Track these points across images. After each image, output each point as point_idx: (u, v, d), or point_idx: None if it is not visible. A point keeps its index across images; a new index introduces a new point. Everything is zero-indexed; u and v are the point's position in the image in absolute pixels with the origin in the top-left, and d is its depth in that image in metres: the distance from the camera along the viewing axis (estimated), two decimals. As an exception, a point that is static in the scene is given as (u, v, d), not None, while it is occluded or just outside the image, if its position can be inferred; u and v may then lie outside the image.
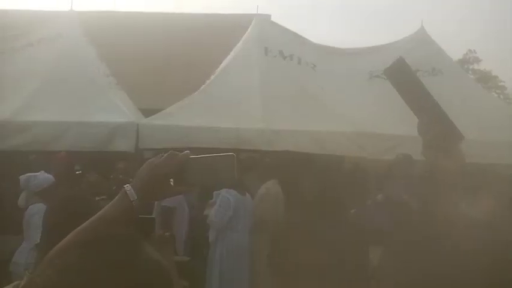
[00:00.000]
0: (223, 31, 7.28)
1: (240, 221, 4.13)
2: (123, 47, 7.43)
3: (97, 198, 2.77)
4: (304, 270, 1.51)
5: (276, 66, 5.25)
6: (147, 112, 5.01)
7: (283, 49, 5.41)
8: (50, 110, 4.50)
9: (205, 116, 4.66)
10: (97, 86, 4.90)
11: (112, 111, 4.62)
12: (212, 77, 5.33)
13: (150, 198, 1.07)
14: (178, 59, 7.79)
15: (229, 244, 4.13)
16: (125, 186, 1.03)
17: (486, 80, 22.35)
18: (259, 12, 6.03)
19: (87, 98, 4.70)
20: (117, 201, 1.03)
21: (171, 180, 1.06)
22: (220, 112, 4.68)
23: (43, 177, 3.72)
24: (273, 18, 7.13)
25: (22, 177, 3.72)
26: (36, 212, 3.37)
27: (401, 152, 4.13)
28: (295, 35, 5.84)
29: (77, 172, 4.77)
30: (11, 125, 4.35)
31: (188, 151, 1.09)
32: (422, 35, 5.70)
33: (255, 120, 4.58)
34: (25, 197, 3.77)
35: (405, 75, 1.33)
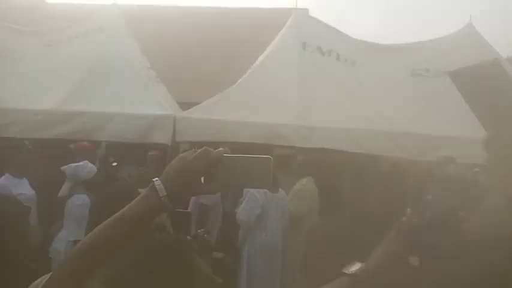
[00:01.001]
0: (261, 25, 7.27)
1: (271, 220, 4.02)
2: (163, 40, 7.58)
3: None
4: (340, 273, 1.48)
5: (313, 61, 5.14)
6: (185, 105, 5.09)
7: (321, 44, 5.29)
8: (93, 100, 4.65)
9: (241, 110, 4.66)
10: (138, 79, 5.01)
11: (151, 103, 4.72)
12: (249, 71, 5.32)
13: (179, 195, 1.01)
14: (216, 53, 7.86)
15: (258, 243, 4.02)
16: (154, 180, 0.99)
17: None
18: (297, 7, 5.95)
19: (128, 89, 4.81)
20: (146, 196, 0.98)
21: (202, 178, 1.01)
22: (256, 107, 4.66)
23: (90, 167, 3.75)
24: (311, 13, 7.06)
25: (69, 167, 3.70)
26: (80, 204, 3.42)
27: (444, 154, 3.95)
28: (334, 30, 5.69)
29: (113, 164, 4.91)
30: (56, 115, 4.54)
31: (222, 149, 1.04)
32: (470, 31, 5.39)
33: (291, 116, 4.52)
34: (68, 187, 3.78)
35: (489, 80, 1.20)
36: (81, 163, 3.76)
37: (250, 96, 4.82)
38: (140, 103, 4.68)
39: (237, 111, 4.63)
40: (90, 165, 3.77)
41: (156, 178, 0.99)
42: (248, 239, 4.05)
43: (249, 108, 4.66)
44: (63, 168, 3.74)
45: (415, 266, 1.13)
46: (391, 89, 4.88)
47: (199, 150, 1.02)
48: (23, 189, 3.86)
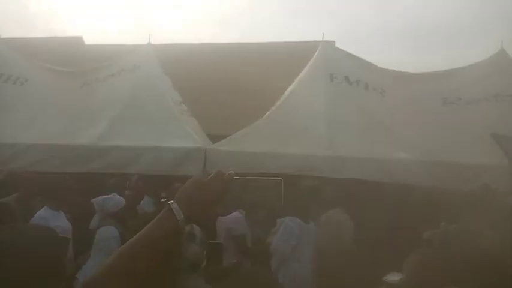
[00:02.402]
0: (289, 59, 7.41)
1: (303, 251, 4.01)
2: (194, 76, 7.84)
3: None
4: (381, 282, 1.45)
5: (341, 92, 5.16)
6: (215, 138, 5.18)
7: (348, 75, 5.32)
8: (127, 135, 4.81)
9: (270, 142, 4.69)
10: (170, 113, 5.17)
11: (182, 137, 4.83)
12: (277, 103, 5.39)
13: (196, 217, 1.02)
14: (245, 86, 8.04)
15: (292, 274, 4.00)
16: (170, 203, 0.99)
17: None
18: (323, 39, 6.04)
19: (161, 124, 4.96)
20: (163, 220, 0.98)
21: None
22: (285, 138, 4.68)
23: (117, 199, 3.86)
24: (337, 44, 7.15)
25: (97, 200, 3.84)
26: (106, 236, 3.49)
27: (481, 183, 3.81)
28: (361, 60, 5.72)
29: (162, 200, 5.02)
30: (93, 149, 4.72)
31: (232, 172, 1.06)
32: (502, 57, 5.29)
33: (320, 147, 4.50)
34: (98, 219, 3.92)
35: None
36: (109, 196, 3.88)
37: (279, 128, 4.86)
38: (172, 136, 4.79)
39: (266, 143, 4.67)
40: (117, 197, 3.89)
41: (172, 201, 0.99)
42: (281, 269, 4.01)
43: (278, 140, 4.68)
44: (92, 200, 3.86)
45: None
46: (422, 118, 4.79)
47: (213, 173, 1.04)
48: (59, 221, 4.01)
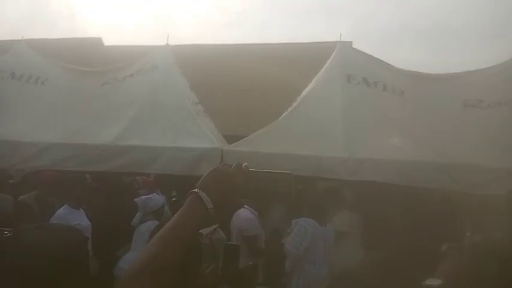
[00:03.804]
0: (306, 59, 7.38)
1: (319, 253, 3.99)
2: (211, 77, 7.89)
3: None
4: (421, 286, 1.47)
5: (359, 93, 5.09)
6: (231, 139, 5.20)
7: (367, 76, 5.24)
8: (145, 135, 4.87)
9: (286, 143, 4.68)
10: (187, 113, 5.22)
11: (199, 137, 4.87)
12: (294, 104, 5.38)
13: (223, 206, 1.03)
14: (261, 87, 8.05)
15: (306, 276, 3.99)
16: (198, 191, 1.00)
17: None
18: (341, 39, 5.98)
19: (178, 124, 5.01)
20: (193, 208, 0.99)
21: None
22: (302, 139, 4.67)
23: (157, 199, 4.11)
24: (355, 45, 7.08)
25: (140, 199, 4.13)
26: (149, 229, 3.67)
27: (501, 186, 3.73)
28: (380, 61, 5.63)
29: (173, 199, 5.11)
30: (112, 149, 4.80)
31: (247, 164, 1.09)
32: (525, 59, 5.16)
33: (337, 149, 4.46)
34: (140, 217, 4.14)
35: None
36: (150, 195, 4.10)
37: (296, 129, 4.85)
38: (189, 137, 4.84)
39: (283, 144, 4.66)
40: (157, 197, 4.12)
41: (197, 190, 1.01)
42: (296, 271, 4.01)
43: (295, 141, 4.67)
44: (136, 200, 4.18)
45: None
46: (442, 120, 4.70)
47: (234, 164, 1.07)
48: (79, 219, 4.11)
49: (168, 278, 0.92)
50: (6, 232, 1.26)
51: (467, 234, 2.89)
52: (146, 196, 4.18)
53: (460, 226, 3.68)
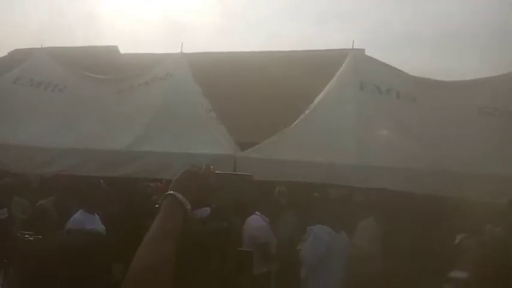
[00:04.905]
0: (319, 67, 7.39)
1: (334, 260, 3.97)
2: (224, 84, 7.96)
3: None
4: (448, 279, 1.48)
5: (372, 101, 5.08)
6: (244, 145, 5.24)
7: (379, 83, 5.23)
8: (159, 141, 4.94)
9: (299, 150, 4.69)
10: (200, 120, 5.28)
11: (212, 144, 4.92)
12: (307, 111, 5.39)
13: (197, 208, 1.07)
14: (274, 94, 8.08)
15: (322, 283, 3.97)
16: (175, 194, 1.03)
17: None
18: (354, 47, 5.99)
19: (191, 131, 5.06)
20: (173, 211, 1.02)
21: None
22: (314, 147, 4.67)
23: (204, 208, 4.14)
24: (367, 52, 7.07)
25: None
26: None
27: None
28: (392, 68, 5.60)
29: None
30: (125, 155, 4.89)
31: (211, 166, 1.14)
32: (541, 66, 5.09)
33: (349, 156, 4.45)
34: None
35: None
36: None
37: (308, 136, 4.86)
38: (202, 143, 4.89)
39: (295, 151, 4.67)
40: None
41: (173, 192, 1.04)
42: (311, 278, 3.99)
43: (307, 148, 4.68)
44: None
45: None
46: (455, 127, 4.65)
47: (204, 166, 1.13)
48: (94, 224, 4.17)
49: (168, 279, 0.95)
50: (27, 236, 1.30)
51: (488, 227, 2.86)
52: None
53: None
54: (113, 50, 11.58)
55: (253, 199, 1.14)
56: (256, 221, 4.47)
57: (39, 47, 6.99)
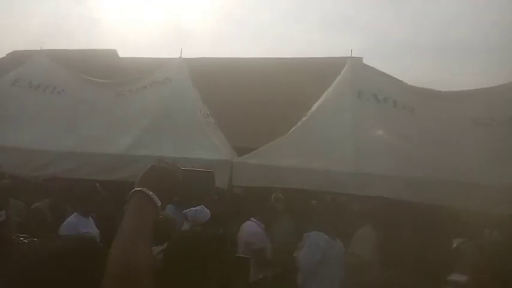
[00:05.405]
0: (317, 74, 7.44)
1: (330, 268, 3.94)
2: (223, 89, 7.98)
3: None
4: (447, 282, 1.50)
5: (369, 109, 5.11)
6: (241, 151, 5.24)
7: (376, 92, 5.26)
8: (156, 146, 4.93)
9: (296, 156, 4.71)
10: (198, 125, 5.29)
11: (209, 149, 4.92)
12: (304, 118, 5.40)
13: (165, 204, 1.06)
14: (272, 101, 8.11)
15: None
16: (144, 190, 1.01)
17: None
18: (352, 55, 6.02)
19: (188, 136, 5.06)
20: (145, 209, 1.00)
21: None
22: (312, 154, 4.68)
23: (206, 211, 4.16)
24: (365, 61, 7.12)
25: (190, 211, 4.15)
26: None
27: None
28: (390, 77, 5.63)
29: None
30: (124, 158, 4.88)
31: (176, 162, 1.11)
32: (537, 77, 5.14)
33: (346, 163, 4.47)
34: (189, 227, 4.16)
35: None
36: (198, 208, 4.15)
37: (305, 143, 4.87)
38: (199, 148, 4.89)
39: (292, 158, 4.69)
40: (206, 210, 4.15)
41: (142, 188, 1.02)
42: (307, 284, 3.97)
43: (304, 155, 4.69)
44: (184, 212, 4.19)
45: None
46: (452, 137, 4.69)
47: (171, 162, 1.11)
48: (88, 227, 4.14)
49: (150, 283, 0.94)
50: (22, 238, 1.30)
51: (486, 231, 2.87)
52: (195, 208, 4.21)
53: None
54: (112, 53, 11.59)
55: (212, 195, 1.16)
56: (251, 227, 4.45)
57: (38, 48, 6.99)
